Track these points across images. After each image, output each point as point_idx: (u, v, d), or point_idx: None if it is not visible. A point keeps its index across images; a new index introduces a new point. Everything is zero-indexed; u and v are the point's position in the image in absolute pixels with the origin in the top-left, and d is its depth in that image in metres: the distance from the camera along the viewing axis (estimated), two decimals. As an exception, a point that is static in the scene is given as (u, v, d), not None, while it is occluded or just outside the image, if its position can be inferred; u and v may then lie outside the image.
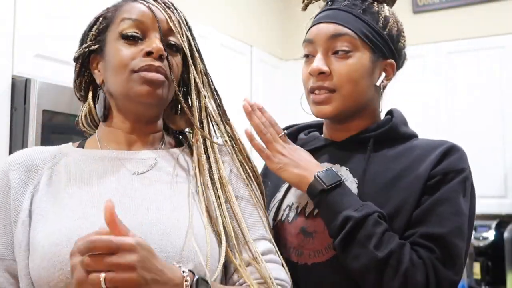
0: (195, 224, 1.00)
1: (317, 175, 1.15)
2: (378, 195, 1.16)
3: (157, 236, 0.96)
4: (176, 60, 1.09)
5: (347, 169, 1.22)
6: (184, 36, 1.10)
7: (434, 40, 3.57)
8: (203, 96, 1.11)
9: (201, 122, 1.11)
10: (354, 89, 1.20)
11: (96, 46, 1.10)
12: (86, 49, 1.11)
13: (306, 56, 1.26)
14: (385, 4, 1.28)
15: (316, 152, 1.27)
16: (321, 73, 1.20)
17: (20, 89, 2.10)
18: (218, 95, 1.14)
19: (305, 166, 1.18)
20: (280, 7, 4.04)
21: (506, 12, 3.46)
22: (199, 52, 1.13)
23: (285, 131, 1.26)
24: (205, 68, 1.14)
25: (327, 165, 1.24)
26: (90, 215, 0.98)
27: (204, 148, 1.10)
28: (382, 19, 1.24)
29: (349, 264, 1.10)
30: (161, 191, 1.04)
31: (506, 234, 3.27)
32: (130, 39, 1.06)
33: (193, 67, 1.10)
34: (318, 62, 1.20)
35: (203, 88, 1.11)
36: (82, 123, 1.18)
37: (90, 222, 0.96)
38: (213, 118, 1.12)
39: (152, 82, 1.04)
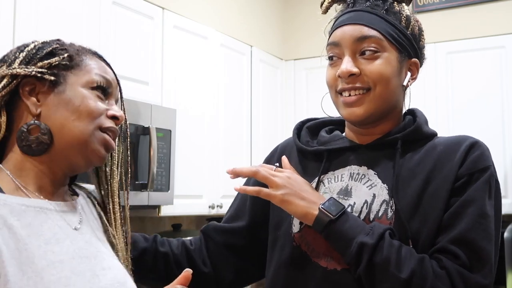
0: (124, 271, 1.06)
1: (322, 207, 1.14)
2: (409, 203, 1.15)
3: None
4: None
5: (375, 173, 1.21)
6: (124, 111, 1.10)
7: (434, 40, 3.56)
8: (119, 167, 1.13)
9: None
10: (386, 89, 1.19)
11: (52, 78, 1.01)
12: (34, 74, 1.00)
13: (330, 58, 1.24)
14: (403, 4, 1.27)
15: (341, 153, 1.26)
16: (351, 75, 1.19)
17: (20, 89, 2.10)
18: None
19: (309, 198, 1.16)
20: (280, 7, 4.04)
21: (506, 12, 3.46)
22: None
23: (277, 164, 1.24)
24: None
25: (342, 172, 1.23)
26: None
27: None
28: (404, 18, 1.23)
29: None
30: (98, 245, 1.03)
31: (506, 234, 3.26)
32: (100, 93, 1.03)
33: (126, 144, 1.13)
34: (347, 64, 1.19)
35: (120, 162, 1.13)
36: None
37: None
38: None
39: (108, 149, 1.04)
